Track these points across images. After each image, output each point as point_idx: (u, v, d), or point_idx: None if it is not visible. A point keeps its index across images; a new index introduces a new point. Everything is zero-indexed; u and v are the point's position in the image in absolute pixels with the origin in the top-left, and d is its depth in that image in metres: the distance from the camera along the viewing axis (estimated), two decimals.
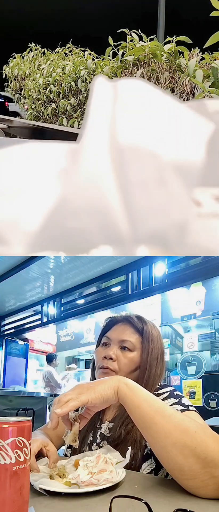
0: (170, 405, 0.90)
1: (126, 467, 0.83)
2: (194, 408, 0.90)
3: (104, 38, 3.22)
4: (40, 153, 0.39)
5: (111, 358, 0.99)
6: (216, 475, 0.65)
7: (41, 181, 0.38)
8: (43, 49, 5.70)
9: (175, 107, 0.42)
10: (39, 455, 0.91)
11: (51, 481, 0.76)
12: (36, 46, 5.81)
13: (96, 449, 0.94)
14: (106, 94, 0.38)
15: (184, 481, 0.68)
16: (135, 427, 0.90)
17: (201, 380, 3.81)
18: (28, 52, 5.87)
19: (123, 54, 3.10)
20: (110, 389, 0.75)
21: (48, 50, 5.50)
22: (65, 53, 5.02)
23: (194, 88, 2.65)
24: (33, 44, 5.81)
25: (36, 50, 5.79)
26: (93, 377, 1.08)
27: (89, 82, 3.75)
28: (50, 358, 5.51)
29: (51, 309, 5.07)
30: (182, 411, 0.87)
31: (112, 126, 0.37)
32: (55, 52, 5.21)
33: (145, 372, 0.98)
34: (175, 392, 0.97)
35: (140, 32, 2.97)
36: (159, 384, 1.02)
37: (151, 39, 2.83)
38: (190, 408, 0.89)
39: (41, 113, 5.01)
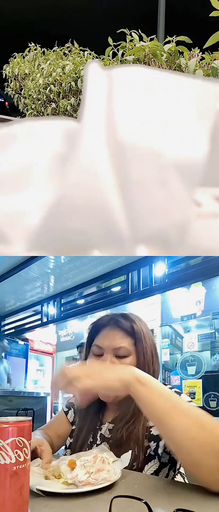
0: None
1: (128, 469, 0.83)
2: (195, 404, 0.90)
3: (104, 37, 3.22)
4: (40, 155, 0.39)
5: None
6: None
7: (41, 182, 0.38)
8: (42, 49, 5.70)
9: (176, 87, 0.42)
10: (34, 456, 0.89)
11: (49, 481, 0.76)
12: (36, 45, 5.80)
13: None
14: (101, 86, 0.37)
15: (201, 476, 0.66)
16: (137, 428, 0.90)
17: (201, 380, 3.81)
18: (28, 52, 5.87)
19: (123, 54, 3.10)
20: (119, 381, 0.72)
21: (47, 49, 5.50)
22: (65, 53, 5.02)
23: None
24: (33, 44, 5.81)
25: (35, 50, 5.79)
26: None
27: None
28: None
29: (51, 309, 5.06)
30: None
31: (110, 123, 0.37)
32: (53, 51, 5.21)
33: None
34: (173, 390, 0.97)
35: (140, 32, 2.97)
36: None
37: (151, 39, 2.83)
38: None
39: (41, 113, 5.01)
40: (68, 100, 4.25)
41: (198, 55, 2.69)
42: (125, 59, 3.04)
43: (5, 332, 5.94)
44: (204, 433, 0.66)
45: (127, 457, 0.80)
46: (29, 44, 5.81)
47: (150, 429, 0.91)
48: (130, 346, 0.98)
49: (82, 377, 0.71)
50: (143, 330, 1.01)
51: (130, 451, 0.82)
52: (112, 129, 0.37)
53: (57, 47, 5.15)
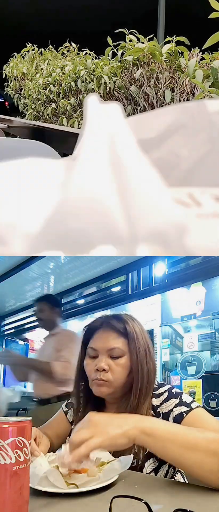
0: (173, 407, 0.90)
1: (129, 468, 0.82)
2: (198, 404, 0.90)
3: (103, 37, 3.22)
4: (40, 157, 0.39)
5: (104, 370, 0.96)
6: None
7: (41, 183, 0.38)
8: (40, 49, 5.70)
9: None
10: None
11: (51, 475, 0.75)
12: (33, 46, 5.80)
13: None
14: (100, 109, 0.38)
15: None
16: None
17: (201, 380, 3.81)
18: (27, 52, 5.86)
19: (122, 54, 3.10)
20: (125, 437, 0.72)
21: (45, 49, 5.50)
22: (63, 53, 5.02)
23: (194, 88, 2.65)
24: (30, 45, 5.80)
25: (33, 50, 5.78)
26: (79, 376, 1.07)
27: (89, 82, 3.75)
28: None
29: None
30: (186, 412, 0.87)
31: (109, 128, 0.37)
32: (49, 50, 5.21)
33: (138, 373, 0.96)
34: (173, 390, 0.96)
35: (139, 31, 2.96)
36: (156, 383, 1.02)
37: (150, 39, 2.82)
38: (192, 406, 0.89)
39: (41, 113, 5.01)
40: (68, 100, 4.25)
41: (198, 55, 2.69)
42: (125, 59, 3.04)
43: (5, 332, 5.94)
44: (217, 461, 0.69)
45: (127, 460, 0.79)
46: (27, 45, 5.81)
47: None
48: (124, 346, 0.99)
49: (89, 439, 0.69)
50: (136, 330, 1.01)
51: (132, 455, 0.81)
52: (111, 133, 0.37)
53: (51, 46, 5.15)
